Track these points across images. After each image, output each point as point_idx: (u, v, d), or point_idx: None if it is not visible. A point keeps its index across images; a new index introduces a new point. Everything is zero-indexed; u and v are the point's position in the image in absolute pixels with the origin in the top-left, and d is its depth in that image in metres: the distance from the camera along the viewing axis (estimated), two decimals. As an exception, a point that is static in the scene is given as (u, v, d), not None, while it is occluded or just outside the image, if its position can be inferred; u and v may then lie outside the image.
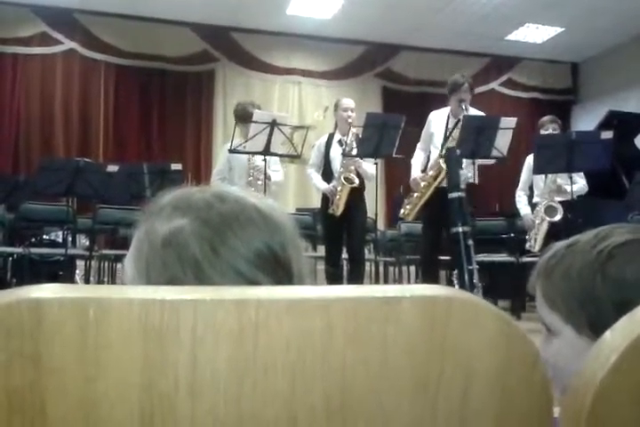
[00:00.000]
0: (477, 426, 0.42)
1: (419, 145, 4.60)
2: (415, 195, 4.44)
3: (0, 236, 5.30)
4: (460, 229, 3.77)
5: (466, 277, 3.59)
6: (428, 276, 4.41)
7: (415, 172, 4.51)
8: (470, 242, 3.73)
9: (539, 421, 0.44)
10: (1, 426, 0.35)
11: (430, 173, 4.34)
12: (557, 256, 0.73)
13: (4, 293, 0.36)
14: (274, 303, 0.38)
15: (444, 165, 4.16)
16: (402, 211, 4.59)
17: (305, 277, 0.63)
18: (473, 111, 4.32)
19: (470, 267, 3.65)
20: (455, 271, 3.73)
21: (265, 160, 4.16)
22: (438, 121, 4.45)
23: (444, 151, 4.20)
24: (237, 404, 0.37)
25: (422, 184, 4.35)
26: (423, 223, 4.58)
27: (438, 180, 4.28)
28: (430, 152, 4.48)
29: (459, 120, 4.23)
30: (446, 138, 4.29)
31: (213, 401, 0.37)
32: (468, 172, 4.12)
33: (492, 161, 4.29)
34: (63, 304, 0.36)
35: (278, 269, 0.60)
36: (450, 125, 4.34)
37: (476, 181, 4.30)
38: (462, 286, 3.62)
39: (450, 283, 4.07)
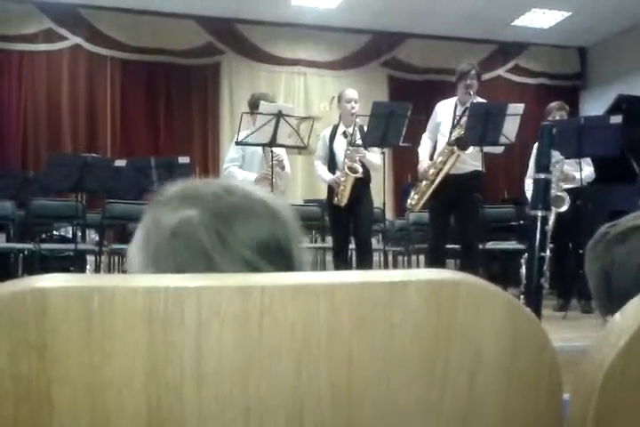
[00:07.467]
0: (485, 410, 0.42)
1: (425, 134, 4.60)
2: (423, 183, 4.42)
3: (11, 232, 5.33)
4: (540, 214, 3.64)
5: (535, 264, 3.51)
6: (435, 265, 4.39)
7: (422, 160, 4.50)
8: (547, 228, 3.64)
9: (547, 404, 0.43)
10: (8, 413, 0.35)
11: (439, 158, 4.32)
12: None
13: (9, 283, 0.36)
14: (278, 289, 0.38)
15: (457, 151, 4.17)
16: (409, 201, 4.56)
17: (306, 268, 0.67)
18: (478, 99, 4.36)
19: (543, 254, 3.55)
20: (525, 256, 3.66)
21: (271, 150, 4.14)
22: (445, 110, 4.46)
23: (452, 138, 4.19)
24: (243, 390, 0.37)
25: (431, 171, 4.33)
26: (430, 212, 4.57)
27: (448, 166, 4.26)
28: (437, 141, 4.48)
29: (467, 108, 4.27)
30: (454, 126, 4.28)
31: (219, 387, 0.37)
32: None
33: (500, 149, 4.28)
34: (68, 293, 0.36)
35: (281, 259, 0.63)
36: (458, 113, 4.35)
37: (483, 169, 4.31)
38: (530, 272, 3.55)
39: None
